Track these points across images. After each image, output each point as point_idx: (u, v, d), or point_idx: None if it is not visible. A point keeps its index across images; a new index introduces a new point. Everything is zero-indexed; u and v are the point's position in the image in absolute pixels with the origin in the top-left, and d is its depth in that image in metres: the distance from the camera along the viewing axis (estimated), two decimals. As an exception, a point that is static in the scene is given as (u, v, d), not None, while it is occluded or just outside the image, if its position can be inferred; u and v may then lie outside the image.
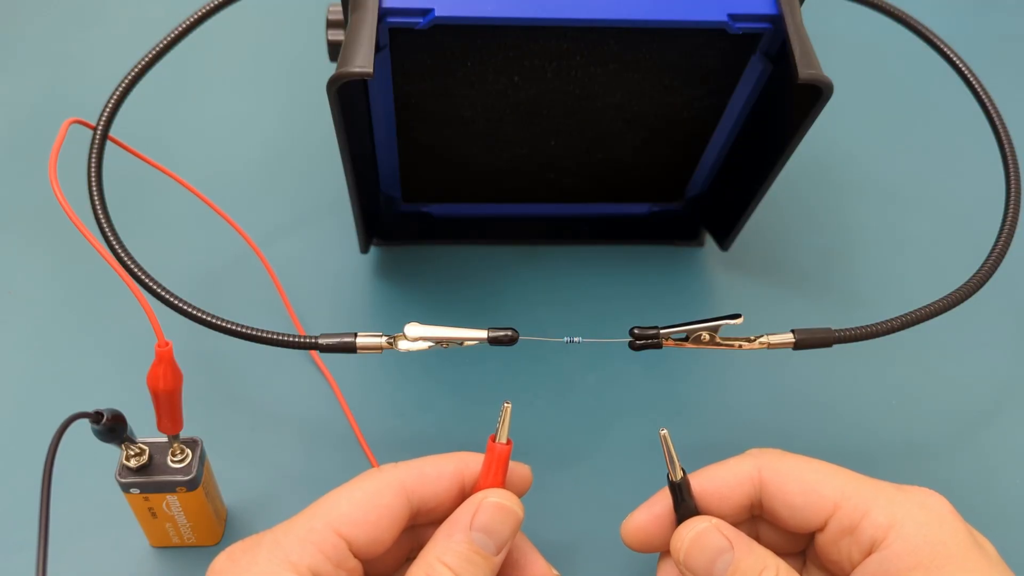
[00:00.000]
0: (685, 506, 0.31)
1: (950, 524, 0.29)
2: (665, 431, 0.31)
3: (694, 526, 0.30)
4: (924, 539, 0.28)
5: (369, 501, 0.29)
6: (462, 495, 0.31)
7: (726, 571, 0.29)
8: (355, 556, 0.29)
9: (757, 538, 0.33)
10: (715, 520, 0.30)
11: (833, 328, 0.35)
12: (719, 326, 0.33)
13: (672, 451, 0.31)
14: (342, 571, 0.29)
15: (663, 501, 0.32)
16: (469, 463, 0.31)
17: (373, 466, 0.40)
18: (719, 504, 0.31)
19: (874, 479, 0.31)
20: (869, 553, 0.29)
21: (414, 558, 0.30)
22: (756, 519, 0.33)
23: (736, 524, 0.31)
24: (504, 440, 0.31)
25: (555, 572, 0.32)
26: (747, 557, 0.29)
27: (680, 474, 0.31)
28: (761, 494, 0.31)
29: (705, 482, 0.31)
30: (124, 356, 0.43)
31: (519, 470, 0.32)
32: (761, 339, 0.34)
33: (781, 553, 0.32)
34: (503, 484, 0.31)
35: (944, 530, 0.29)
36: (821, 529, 0.30)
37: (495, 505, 0.30)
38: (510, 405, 0.30)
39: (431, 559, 0.29)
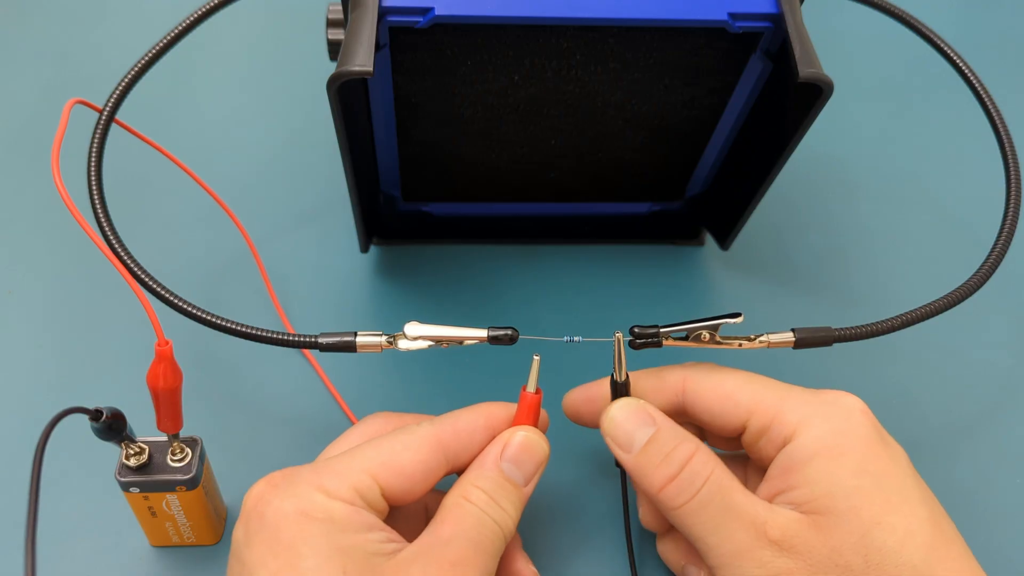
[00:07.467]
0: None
1: (856, 419, 0.31)
2: (620, 334, 0.33)
3: (624, 401, 0.33)
4: (827, 430, 0.30)
5: (408, 455, 0.31)
6: None
7: (644, 440, 0.31)
8: (386, 500, 0.30)
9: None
10: (644, 402, 0.33)
11: (833, 327, 0.35)
12: (719, 325, 0.33)
13: (623, 356, 0.33)
14: (372, 510, 0.30)
15: (602, 388, 0.34)
16: (496, 413, 0.33)
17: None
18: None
19: (790, 385, 0.32)
20: (781, 449, 0.31)
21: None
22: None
23: None
24: (534, 389, 0.33)
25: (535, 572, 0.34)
26: (668, 432, 0.32)
27: (624, 377, 0.33)
28: (684, 400, 0.33)
29: (637, 381, 0.34)
30: (124, 355, 0.43)
31: (541, 416, 0.34)
32: (761, 338, 0.34)
33: (725, 453, 0.35)
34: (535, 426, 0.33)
35: (850, 423, 0.31)
36: (743, 432, 0.32)
37: (523, 439, 0.32)
38: (539, 357, 0.32)
39: (465, 484, 0.31)
